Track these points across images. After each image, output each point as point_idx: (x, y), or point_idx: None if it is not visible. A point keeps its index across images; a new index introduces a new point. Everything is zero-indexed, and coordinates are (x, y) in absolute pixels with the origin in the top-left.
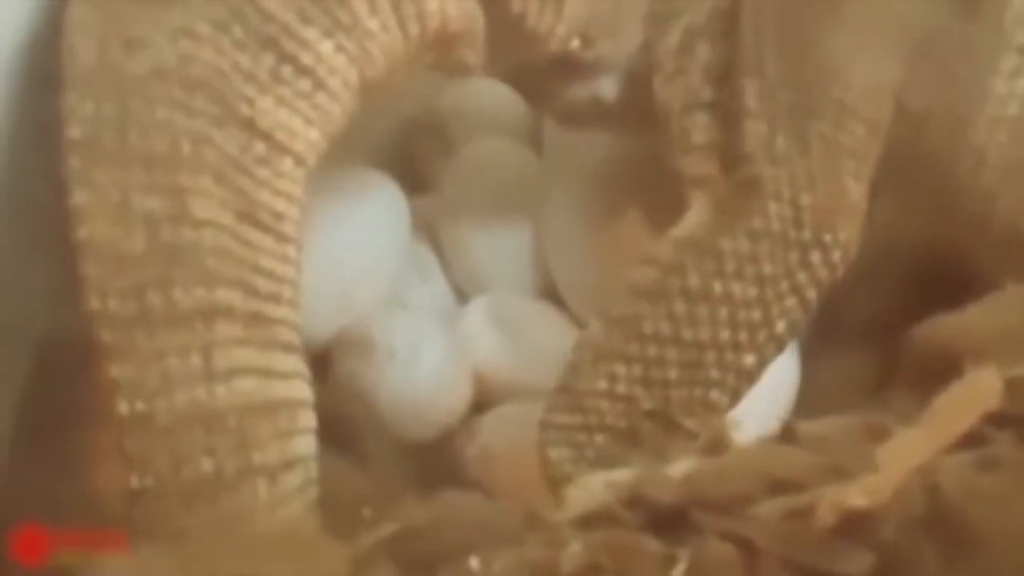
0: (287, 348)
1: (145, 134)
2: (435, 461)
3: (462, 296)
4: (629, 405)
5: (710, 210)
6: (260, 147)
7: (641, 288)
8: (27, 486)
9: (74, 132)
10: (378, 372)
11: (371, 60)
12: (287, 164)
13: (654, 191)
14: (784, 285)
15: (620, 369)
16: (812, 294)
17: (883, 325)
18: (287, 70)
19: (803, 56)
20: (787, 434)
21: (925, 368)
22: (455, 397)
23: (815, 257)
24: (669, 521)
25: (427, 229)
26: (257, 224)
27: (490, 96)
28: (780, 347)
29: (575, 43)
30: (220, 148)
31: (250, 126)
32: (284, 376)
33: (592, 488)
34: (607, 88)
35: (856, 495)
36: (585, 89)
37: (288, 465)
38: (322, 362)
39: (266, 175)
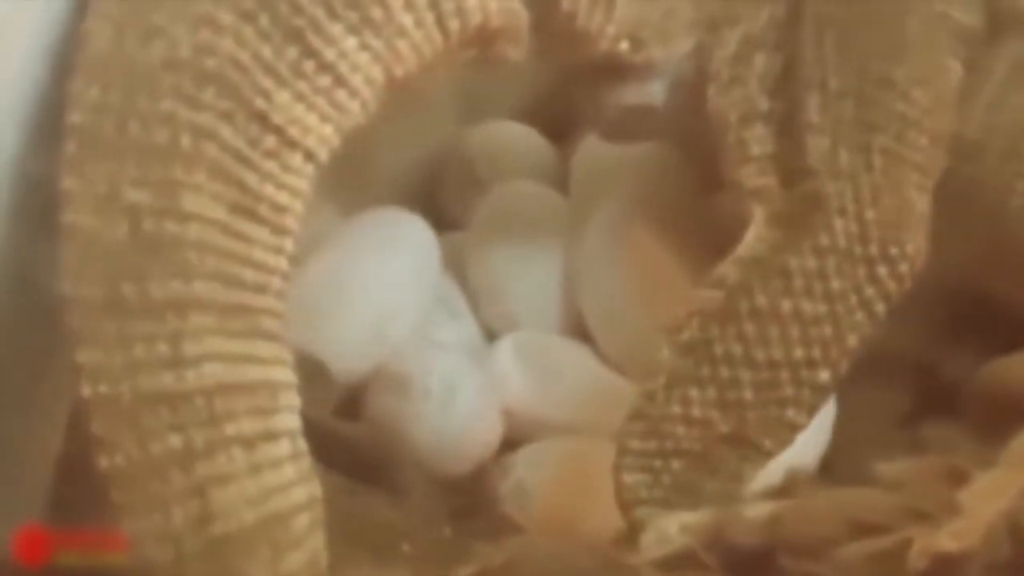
0: (269, 336)
1: (146, 126)
2: (469, 496)
3: (490, 334)
4: (705, 429)
5: (772, 226)
6: (270, 141)
7: (709, 311)
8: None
9: (75, 117)
10: (414, 409)
11: (399, 58)
12: (296, 159)
13: (686, 229)
14: (853, 300)
15: (694, 393)
16: (881, 307)
17: (916, 358)
18: (309, 65)
19: (864, 69)
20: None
21: (992, 409)
22: (489, 433)
23: (882, 271)
24: (752, 564)
25: (455, 267)
26: (253, 217)
27: (516, 137)
28: (850, 361)
29: (625, 45)
30: (223, 142)
31: (263, 120)
32: (264, 361)
33: (667, 531)
34: (655, 95)
35: (945, 539)
36: (632, 94)
37: (270, 436)
38: (356, 399)
39: (272, 169)
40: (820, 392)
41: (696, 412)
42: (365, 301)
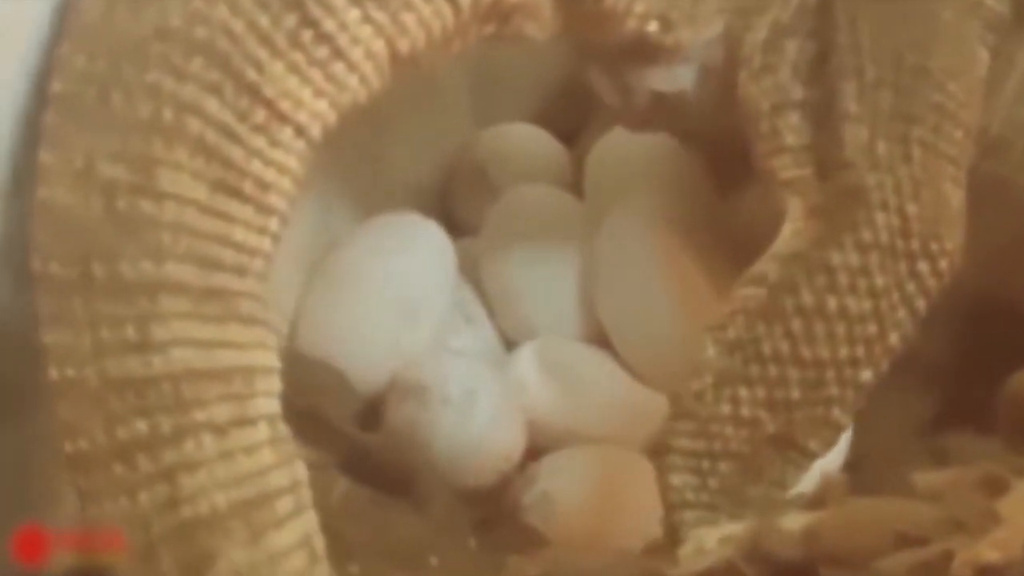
0: (248, 320)
1: (129, 97)
2: (493, 506)
3: (507, 340)
4: (754, 429)
5: (810, 219)
6: (260, 114)
7: (754, 309)
8: None
9: (57, 86)
10: (433, 418)
11: (405, 33)
12: (286, 134)
13: (705, 230)
14: (895, 296)
15: (743, 392)
16: (921, 304)
17: (936, 366)
18: (307, 34)
19: (901, 58)
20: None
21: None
22: (510, 443)
23: (923, 267)
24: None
25: (470, 273)
26: (237, 195)
27: (528, 140)
28: (891, 360)
29: (653, 25)
30: (208, 116)
31: (253, 92)
32: (240, 346)
33: (706, 543)
34: (683, 80)
35: (987, 549)
36: (660, 80)
37: (246, 422)
38: (376, 409)
39: (260, 144)
40: (862, 392)
41: (745, 412)
42: (382, 309)
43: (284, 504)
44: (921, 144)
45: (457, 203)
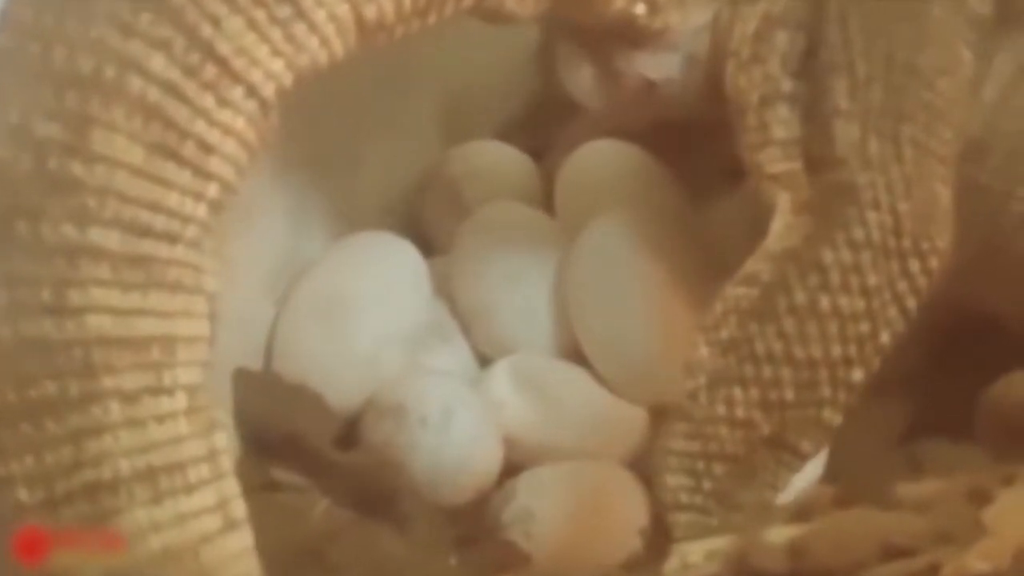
0: (173, 288)
1: (71, 53)
2: (473, 524)
3: (482, 358)
4: (748, 430)
5: (800, 214)
6: (210, 72)
7: (747, 309)
8: None
9: (1, 40)
10: (411, 438)
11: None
12: (236, 93)
13: (678, 243)
14: (887, 295)
15: (738, 393)
16: (912, 303)
17: (911, 376)
18: None
19: (892, 55)
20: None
21: (1006, 426)
22: (488, 460)
23: (914, 266)
24: None
25: (443, 291)
26: (174, 157)
27: (499, 157)
28: (881, 360)
29: (640, 8)
30: (151, 74)
31: (206, 49)
32: (162, 315)
33: (691, 558)
34: (669, 68)
35: (976, 559)
36: (650, 65)
37: (160, 391)
38: (354, 429)
39: (207, 104)
40: (853, 392)
41: (740, 413)
42: (356, 329)
43: (197, 472)
44: (912, 142)
45: (429, 221)
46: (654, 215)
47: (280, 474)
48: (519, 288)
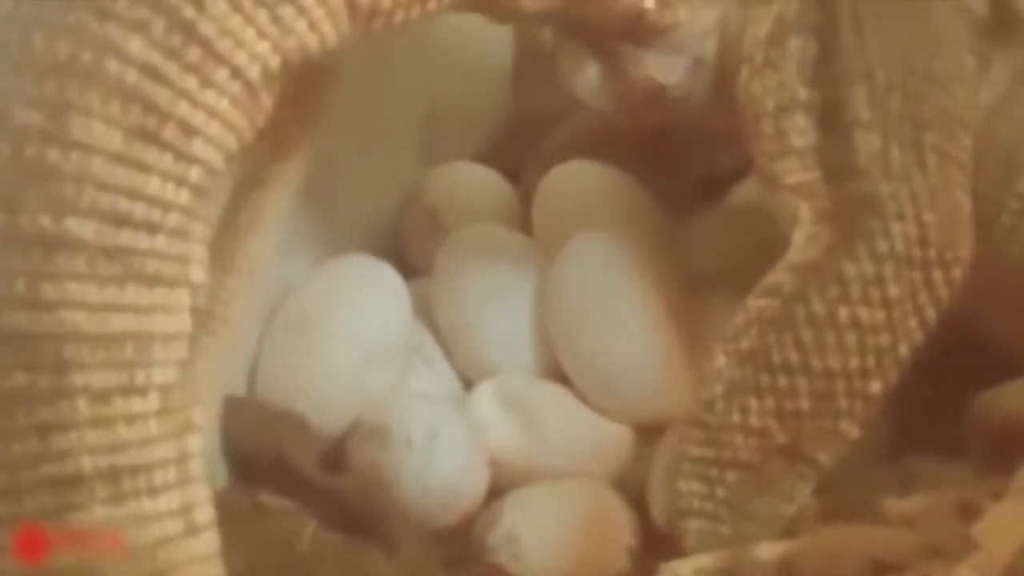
0: (151, 281)
1: (51, 39)
2: (460, 546)
3: (465, 379)
4: (763, 439)
5: (821, 225)
6: (193, 53)
7: (767, 319)
8: None
9: None
10: (396, 461)
11: None
12: (220, 75)
13: (657, 260)
14: (908, 306)
15: (752, 402)
16: (932, 313)
17: (897, 389)
18: None
19: (909, 62)
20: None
21: (994, 440)
22: (474, 482)
23: (937, 276)
24: None
25: (424, 314)
26: (155, 141)
27: (476, 179)
28: (900, 371)
29: (650, 2)
30: (129, 57)
31: (188, 30)
32: (138, 310)
33: (680, 574)
34: (677, 71)
35: (967, 573)
36: (659, 67)
37: (131, 391)
38: (339, 452)
39: (190, 85)
40: (870, 404)
41: (754, 421)
42: (340, 352)
43: (164, 475)
44: (934, 150)
45: (408, 244)
46: (632, 233)
47: (267, 498)
48: (499, 308)
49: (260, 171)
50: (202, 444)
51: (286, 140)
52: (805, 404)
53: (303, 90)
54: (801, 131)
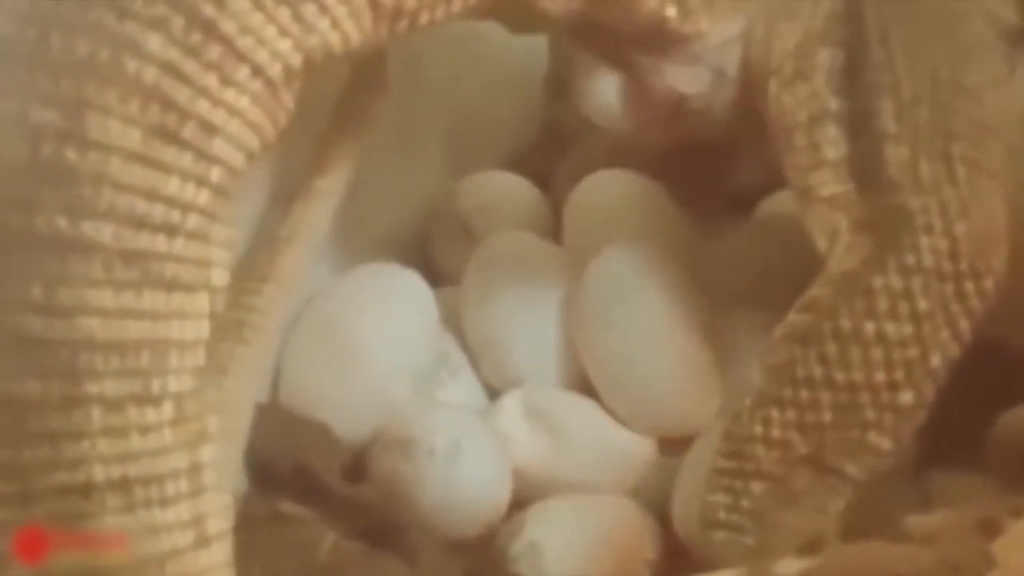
0: (170, 286)
1: (68, 37)
2: (481, 558)
3: (491, 390)
4: (785, 451)
5: (857, 234)
6: (214, 51)
7: (797, 333)
8: None
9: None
10: (419, 470)
11: None
12: (241, 73)
13: (686, 271)
14: (939, 318)
15: (774, 414)
16: (965, 325)
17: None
18: None
19: (936, 73)
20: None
21: (1015, 456)
22: (497, 493)
23: (969, 287)
24: None
25: (451, 323)
26: (175, 139)
27: (506, 187)
28: (936, 382)
29: (672, 10)
30: (148, 55)
31: (208, 28)
32: (155, 317)
33: None
34: (699, 82)
35: None
36: (681, 78)
37: (145, 400)
38: (362, 461)
39: (210, 83)
40: (903, 415)
41: (776, 433)
42: (364, 361)
43: (176, 485)
44: (964, 161)
45: (436, 252)
46: (662, 244)
47: (288, 507)
48: (527, 319)
49: (303, 184)
50: (216, 453)
51: (330, 154)
52: (827, 416)
53: (349, 104)
54: (833, 142)
